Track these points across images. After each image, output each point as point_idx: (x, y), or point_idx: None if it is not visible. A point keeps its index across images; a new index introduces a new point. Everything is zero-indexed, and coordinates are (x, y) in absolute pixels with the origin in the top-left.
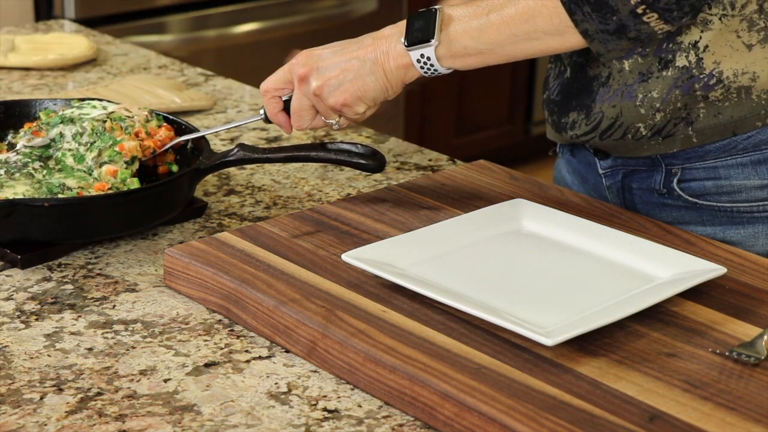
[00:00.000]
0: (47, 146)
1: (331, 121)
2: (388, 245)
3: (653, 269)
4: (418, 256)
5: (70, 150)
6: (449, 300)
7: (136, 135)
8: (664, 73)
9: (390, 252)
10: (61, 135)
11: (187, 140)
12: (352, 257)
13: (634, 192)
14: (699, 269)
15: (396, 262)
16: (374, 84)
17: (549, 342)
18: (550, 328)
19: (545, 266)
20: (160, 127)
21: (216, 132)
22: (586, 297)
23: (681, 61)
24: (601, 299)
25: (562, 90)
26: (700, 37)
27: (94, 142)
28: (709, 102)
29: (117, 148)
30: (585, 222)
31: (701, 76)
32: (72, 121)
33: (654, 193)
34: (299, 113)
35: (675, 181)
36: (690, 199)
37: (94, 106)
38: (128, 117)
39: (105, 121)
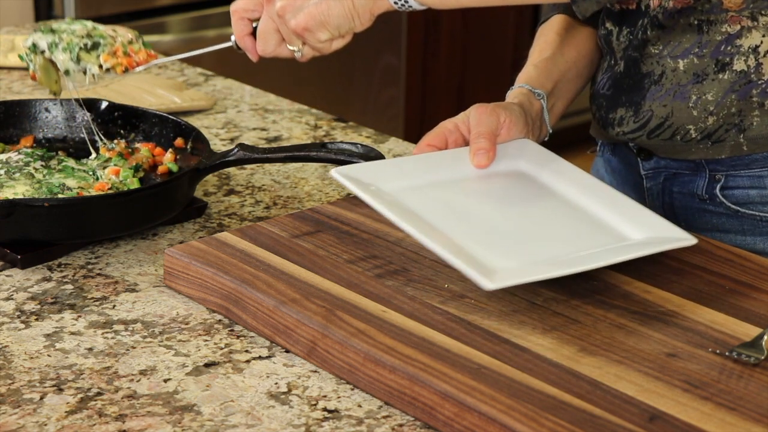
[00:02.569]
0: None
1: (293, 47)
2: (380, 166)
3: (627, 228)
4: (407, 182)
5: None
6: (408, 226)
7: (114, 53)
8: (720, 75)
9: (380, 174)
10: (34, 45)
11: (163, 64)
12: (339, 173)
13: (674, 196)
14: (670, 236)
15: (382, 184)
16: (339, 10)
17: (491, 286)
18: (501, 269)
19: (527, 208)
20: (140, 51)
21: (186, 57)
22: (550, 245)
23: (739, 65)
24: (566, 250)
25: (612, 84)
26: (761, 42)
27: (76, 51)
28: (764, 110)
29: (102, 59)
30: (580, 172)
31: (759, 82)
32: (52, 31)
33: (695, 198)
34: (264, 36)
35: (718, 187)
36: (732, 206)
37: (85, 25)
38: (110, 36)
39: (83, 37)
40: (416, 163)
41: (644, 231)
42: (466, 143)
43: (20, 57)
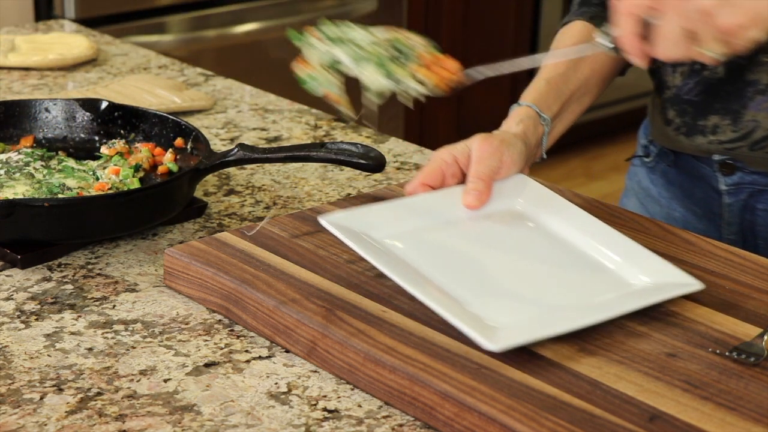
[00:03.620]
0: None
1: (710, 52)
2: (370, 212)
3: (632, 275)
4: (398, 229)
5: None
6: (404, 282)
7: (423, 64)
8: None
9: (370, 220)
10: (333, 60)
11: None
12: (328, 222)
13: (757, 213)
14: (677, 281)
15: (373, 232)
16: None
17: (494, 348)
18: (502, 327)
19: (524, 253)
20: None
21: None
22: (553, 296)
23: None
24: (567, 301)
25: (704, 90)
26: None
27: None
28: None
29: (420, 73)
30: (580, 213)
31: None
32: (341, 41)
33: None
34: (671, 36)
35: None
36: None
37: (371, 32)
38: (409, 43)
39: (383, 46)
40: (407, 207)
41: (650, 275)
42: (464, 177)
43: (304, 80)
